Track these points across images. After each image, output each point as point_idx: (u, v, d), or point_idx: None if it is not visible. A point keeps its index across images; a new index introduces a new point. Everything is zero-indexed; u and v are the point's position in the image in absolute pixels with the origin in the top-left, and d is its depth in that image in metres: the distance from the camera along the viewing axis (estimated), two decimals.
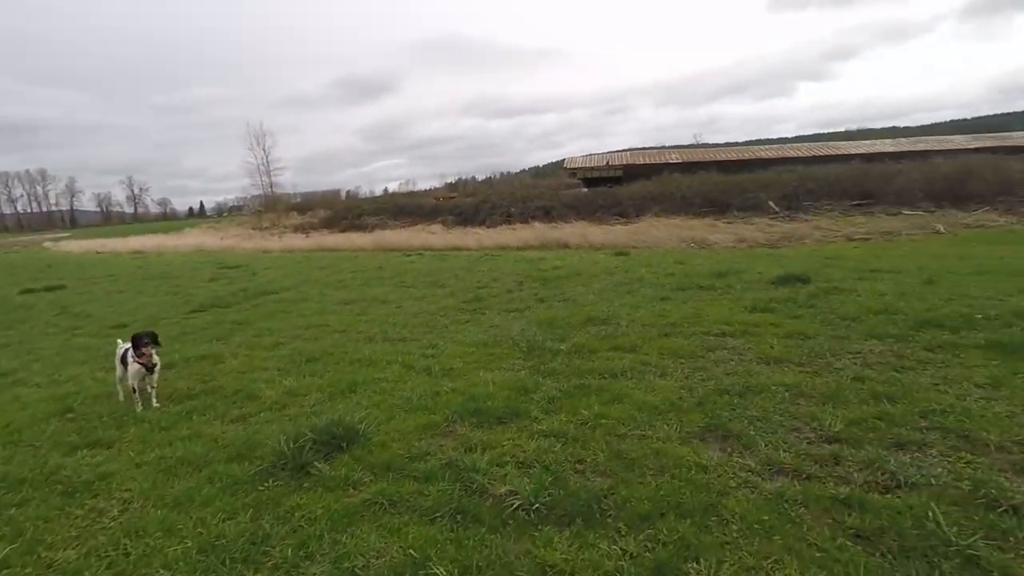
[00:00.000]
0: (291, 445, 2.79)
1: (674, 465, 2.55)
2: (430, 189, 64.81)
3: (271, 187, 44.62)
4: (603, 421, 3.07)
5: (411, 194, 49.22)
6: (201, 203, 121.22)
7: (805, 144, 41.13)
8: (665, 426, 2.98)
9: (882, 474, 2.35)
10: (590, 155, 43.66)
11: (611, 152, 44.17)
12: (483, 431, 3.09)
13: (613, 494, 2.36)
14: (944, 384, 3.31)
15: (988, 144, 31.75)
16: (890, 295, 5.77)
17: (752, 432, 2.83)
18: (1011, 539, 1.91)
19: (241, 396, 3.95)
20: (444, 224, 30.24)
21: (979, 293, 5.67)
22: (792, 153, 35.69)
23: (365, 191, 73.49)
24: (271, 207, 42.23)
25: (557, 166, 45.66)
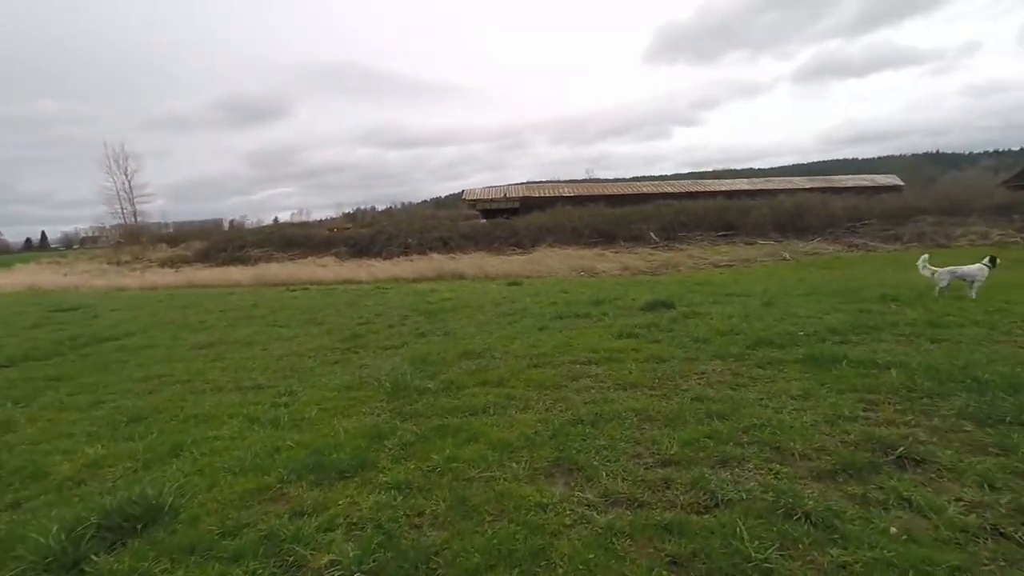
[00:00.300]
0: (64, 537, 2.27)
1: (515, 507, 2.47)
2: (325, 219, 61.83)
3: (135, 216, 39.64)
4: (453, 465, 2.93)
5: (302, 224, 46.54)
6: (43, 233, 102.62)
7: (680, 181, 45.76)
8: (515, 464, 2.91)
9: (703, 494, 2.47)
10: (489, 187, 44.72)
11: (509, 184, 45.62)
12: (320, 490, 2.79)
13: (446, 549, 2.20)
14: (767, 399, 3.64)
15: (819, 185, 37.72)
16: (736, 317, 6.40)
17: (596, 463, 2.85)
18: (800, 546, 2.06)
19: (22, 475, 3.22)
20: (337, 256, 28.88)
21: (804, 312, 6.49)
22: (669, 189, 39.47)
23: (252, 221, 68.04)
24: (133, 238, 37.44)
25: (458, 197, 46.11)
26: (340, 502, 2.62)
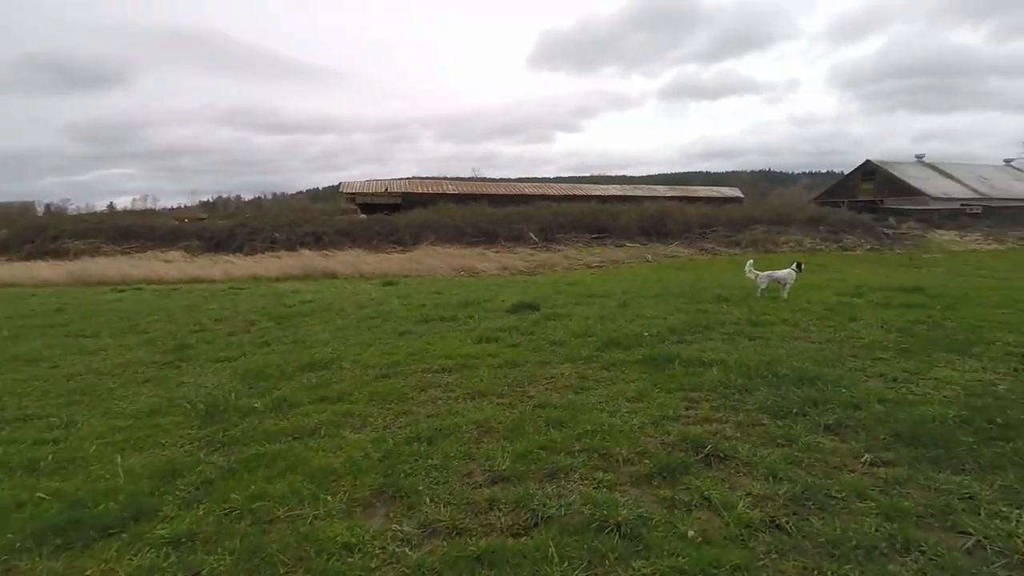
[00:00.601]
0: None
1: (317, 552, 2.16)
2: (177, 208, 54.19)
3: None
4: (256, 505, 2.52)
5: (145, 212, 40.28)
6: None
7: (560, 184, 48.02)
8: (331, 497, 2.59)
9: (525, 513, 2.38)
10: (369, 181, 42.74)
11: (392, 179, 44.04)
12: (67, 557, 2.20)
13: None
14: (605, 402, 3.75)
15: (678, 194, 42.01)
16: (592, 319, 6.67)
17: (423, 487, 2.65)
18: (606, 561, 2.05)
19: None
20: (188, 251, 25.37)
21: (652, 313, 6.99)
22: (550, 191, 41.12)
23: (79, 206, 57.06)
24: None
25: (338, 189, 43.36)
26: (87, 573, 2.08)
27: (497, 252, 24.94)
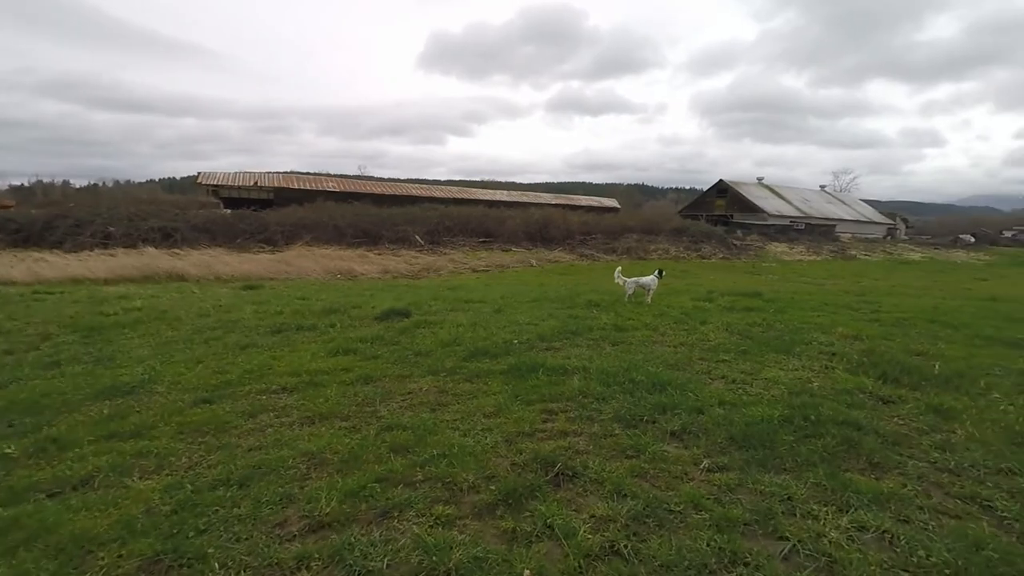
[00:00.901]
0: None
1: None
2: None
3: None
4: None
5: None
6: None
7: (448, 187, 47.58)
8: None
9: (341, 570, 2.00)
10: (238, 172, 38.59)
11: (265, 172, 40.19)
12: None
13: None
14: (461, 419, 3.48)
15: (562, 202, 44.09)
16: (465, 325, 6.41)
17: (214, 548, 2.12)
18: None
19: None
20: None
21: (526, 319, 6.93)
22: (439, 194, 40.53)
23: None
24: None
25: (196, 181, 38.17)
26: None
27: (380, 254, 23.83)
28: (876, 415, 3.45)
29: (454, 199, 37.98)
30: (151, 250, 19.58)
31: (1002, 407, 3.63)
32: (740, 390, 3.97)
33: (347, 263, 20.00)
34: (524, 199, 42.82)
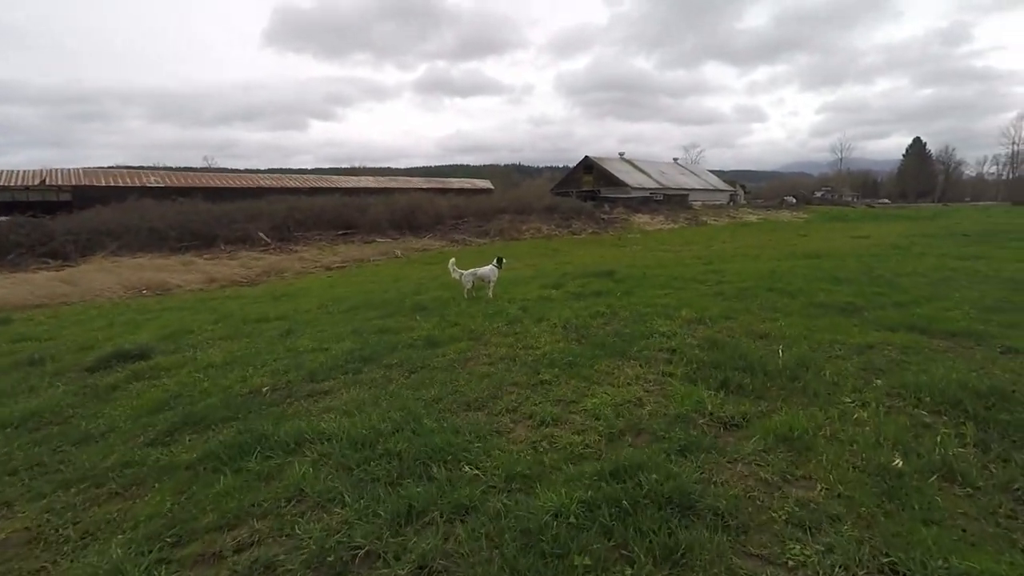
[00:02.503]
0: None
1: None
2: None
3: None
4: None
5: None
6: None
7: (305, 176, 42.92)
8: None
9: None
10: (17, 171, 30.80)
11: (61, 169, 32.60)
12: None
13: None
14: None
15: (435, 186, 42.05)
16: (216, 366, 4.61)
17: None
18: None
19: None
20: None
21: (314, 343, 5.29)
22: (292, 184, 36.24)
23: None
24: None
25: None
26: None
27: (213, 259, 20.12)
28: (714, 467, 2.45)
29: (312, 188, 34.12)
30: None
31: (855, 416, 2.87)
32: (546, 443, 2.79)
33: (162, 275, 16.34)
34: (394, 184, 40.08)
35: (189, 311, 8.50)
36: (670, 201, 43.23)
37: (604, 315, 5.81)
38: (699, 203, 45.98)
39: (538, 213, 33.78)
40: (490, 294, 7.19)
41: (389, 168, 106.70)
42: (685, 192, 48.17)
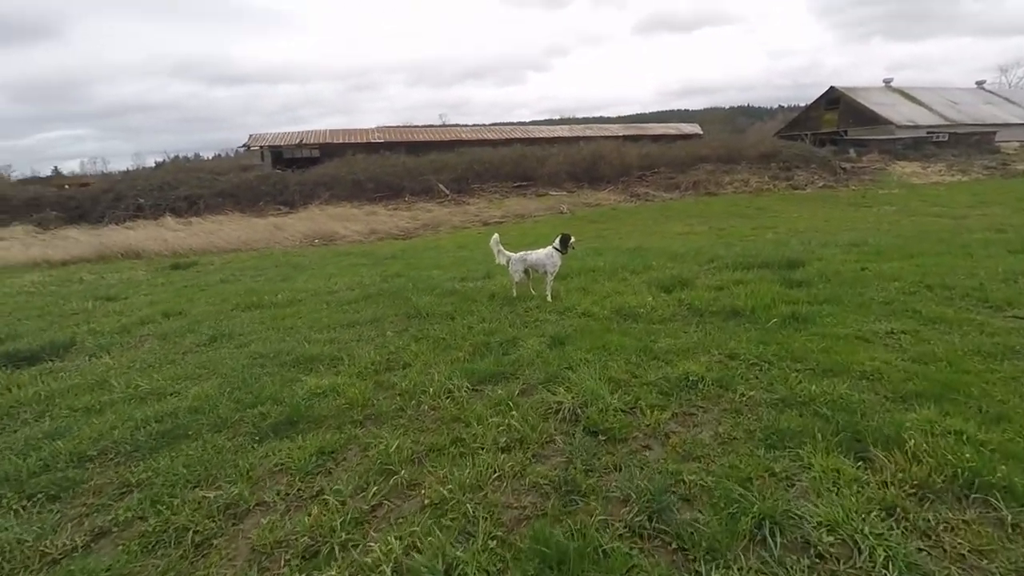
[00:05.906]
0: None
1: None
2: (131, 169, 47.14)
3: None
4: None
5: (25, 182, 35.42)
6: None
7: (485, 126, 43.16)
8: None
9: None
10: (286, 132, 38.21)
11: (313, 130, 39.44)
12: None
13: None
14: None
15: (633, 133, 38.01)
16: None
17: None
18: None
19: None
20: (41, 225, 21.57)
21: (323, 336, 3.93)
22: (489, 135, 36.93)
23: (22, 172, 50.15)
24: None
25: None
26: None
27: (393, 210, 21.47)
28: None
29: (502, 140, 34.18)
30: (170, 219, 19.11)
31: None
32: None
33: (338, 224, 17.81)
34: (583, 133, 37.55)
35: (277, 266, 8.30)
36: (961, 143, 30.71)
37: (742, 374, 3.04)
38: (1016, 143, 31.56)
39: (749, 162, 27.44)
40: (547, 293, 4.77)
41: (601, 117, 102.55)
42: (991, 129, 33.50)
